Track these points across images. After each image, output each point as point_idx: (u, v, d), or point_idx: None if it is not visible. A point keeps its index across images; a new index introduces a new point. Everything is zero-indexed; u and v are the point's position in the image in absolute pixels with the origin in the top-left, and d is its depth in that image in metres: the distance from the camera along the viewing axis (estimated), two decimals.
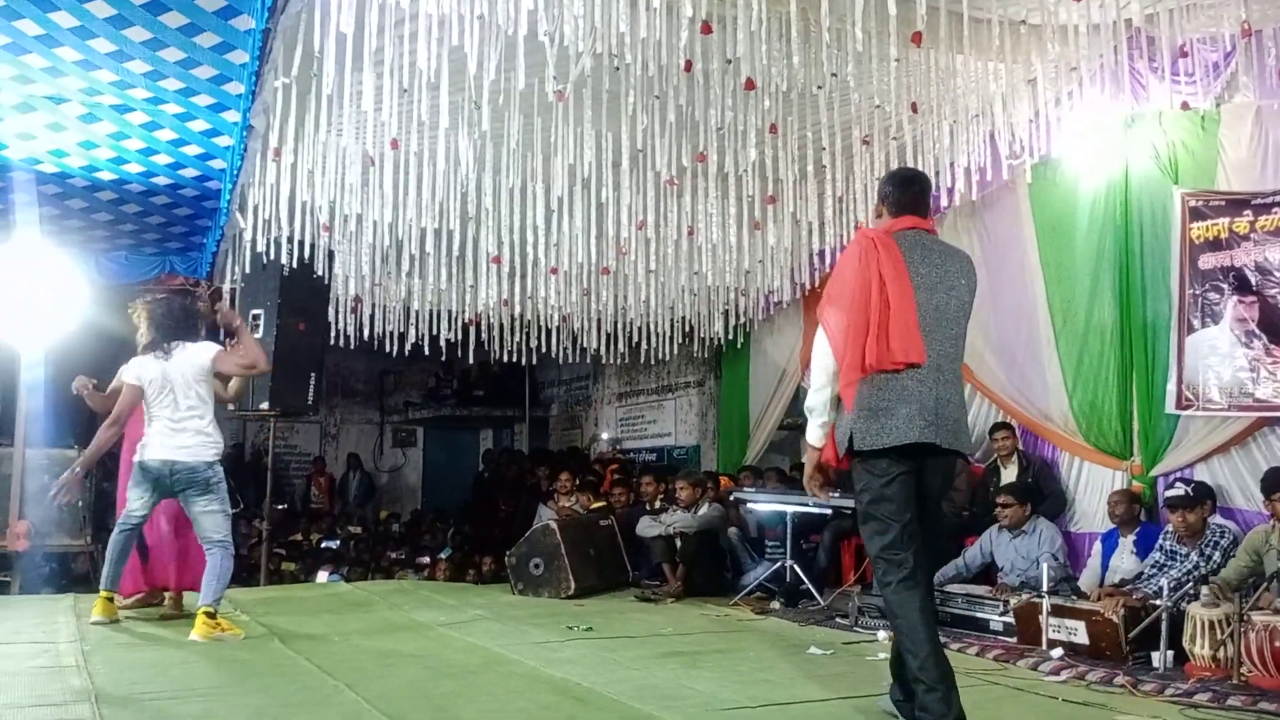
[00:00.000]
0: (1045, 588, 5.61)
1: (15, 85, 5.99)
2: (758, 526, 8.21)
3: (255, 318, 7.82)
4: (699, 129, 6.25)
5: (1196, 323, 6.25)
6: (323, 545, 12.24)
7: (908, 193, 3.78)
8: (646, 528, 7.89)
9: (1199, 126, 6.27)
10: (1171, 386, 6.34)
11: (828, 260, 8.56)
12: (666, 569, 7.68)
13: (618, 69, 5.30)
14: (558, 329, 10.35)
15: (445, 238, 7.76)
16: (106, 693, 3.96)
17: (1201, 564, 5.50)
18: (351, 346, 9.93)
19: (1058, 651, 5.26)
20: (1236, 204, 6.07)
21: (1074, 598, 5.82)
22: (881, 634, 5.71)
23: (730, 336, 10.38)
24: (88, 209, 8.06)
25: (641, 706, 3.92)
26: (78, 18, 5.25)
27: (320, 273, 8.08)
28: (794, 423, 10.06)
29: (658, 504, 8.39)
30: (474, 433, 17.40)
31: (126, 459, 5.77)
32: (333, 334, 9.43)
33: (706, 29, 5.05)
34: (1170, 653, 4.98)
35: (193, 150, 6.95)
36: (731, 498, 8.21)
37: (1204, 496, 5.78)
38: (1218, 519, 5.86)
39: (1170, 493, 5.90)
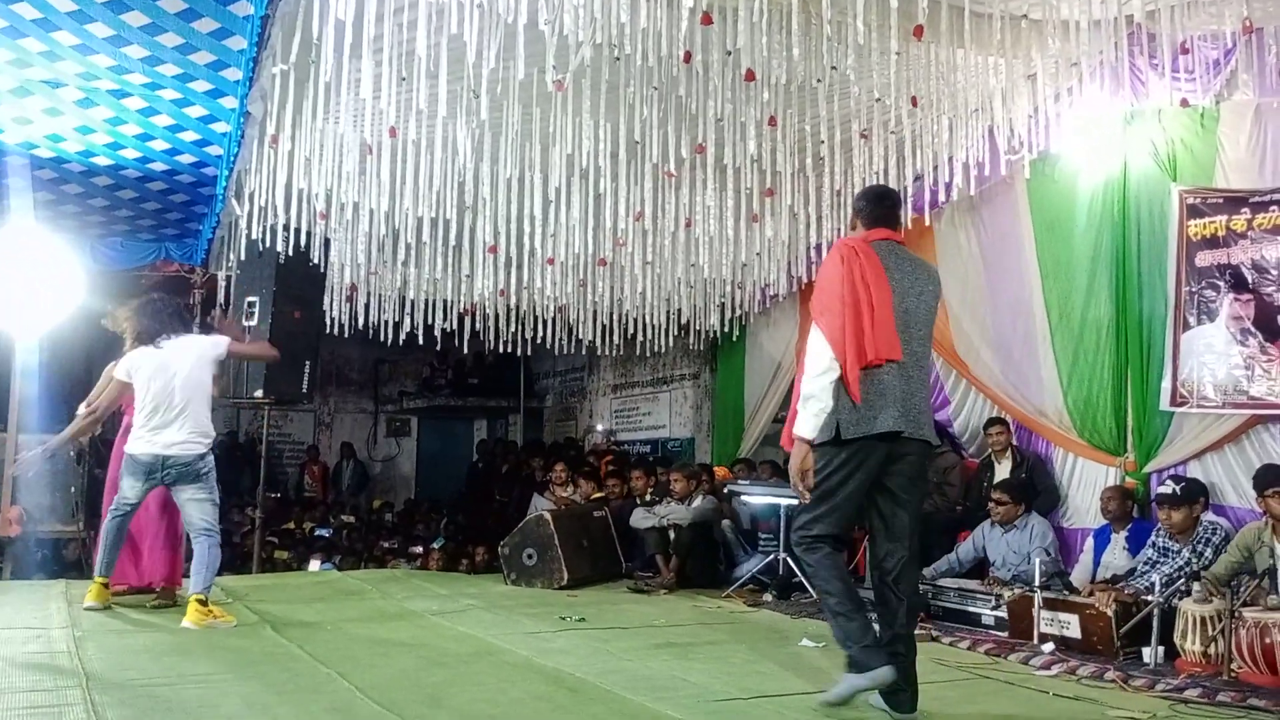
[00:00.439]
0: (1037, 582, 5.62)
1: (12, 69, 5.96)
2: (751, 519, 8.22)
3: (251, 305, 7.81)
4: (698, 120, 6.24)
5: (1192, 320, 6.26)
6: (316, 534, 12.22)
7: (881, 208, 4.08)
8: (640, 519, 7.90)
9: (1198, 124, 6.27)
10: (1166, 383, 6.35)
11: (824, 254, 8.53)
12: (660, 560, 7.68)
13: (617, 59, 5.29)
14: (553, 320, 10.34)
15: (442, 227, 7.74)
16: (99, 678, 3.95)
17: (1193, 560, 5.52)
18: (346, 335, 9.91)
19: (1049, 646, 5.27)
20: (1234, 202, 6.08)
21: (1066, 593, 5.84)
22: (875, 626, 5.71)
23: (726, 329, 10.39)
24: (83, 194, 8.03)
25: (634, 697, 3.93)
26: (75, 2, 5.22)
27: (316, 261, 8.06)
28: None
29: (648, 497, 8.40)
30: (468, 423, 17.39)
31: (120, 446, 5.75)
32: (328, 322, 9.42)
33: (707, 20, 5.04)
34: (1161, 648, 5.00)
35: (189, 136, 6.93)
36: (725, 490, 8.22)
37: (1194, 495, 5.78)
38: (1210, 516, 5.88)
39: (1160, 490, 5.92)
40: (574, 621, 5.81)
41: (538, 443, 14.79)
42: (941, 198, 7.14)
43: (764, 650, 5.12)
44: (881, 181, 7.08)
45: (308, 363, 8.14)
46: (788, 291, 9.46)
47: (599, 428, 14.27)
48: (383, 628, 5.53)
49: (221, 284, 8.91)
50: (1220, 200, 6.15)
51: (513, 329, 10.42)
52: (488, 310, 10.13)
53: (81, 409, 5.91)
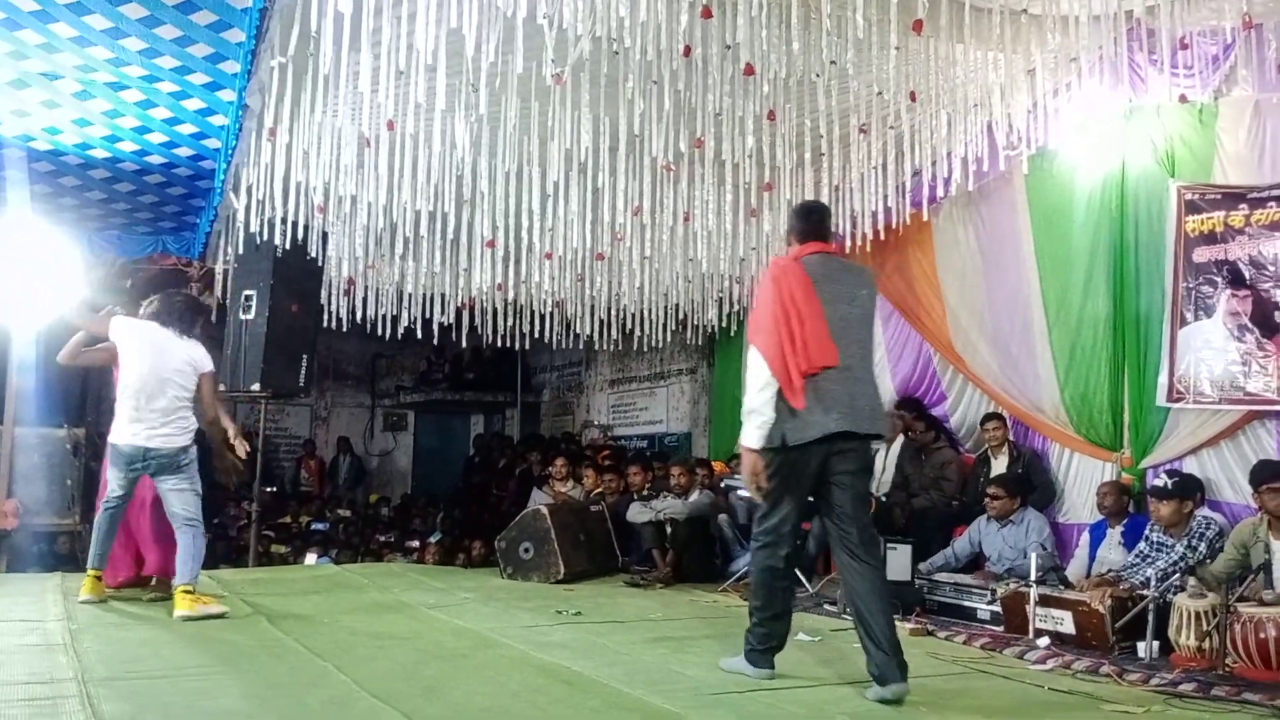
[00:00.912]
0: (1033, 577, 5.63)
1: (9, 61, 5.95)
2: (747, 514, 8.21)
3: (248, 298, 7.80)
4: (696, 115, 6.23)
5: (1189, 315, 6.27)
6: (312, 528, 12.24)
7: (810, 222, 4.36)
8: (637, 513, 7.91)
9: (1197, 120, 6.27)
10: (1163, 379, 6.36)
11: None
12: (656, 555, 7.69)
13: (616, 53, 5.29)
14: (551, 314, 10.34)
15: (440, 221, 7.73)
16: (95, 671, 3.95)
17: (1188, 555, 5.52)
18: (344, 329, 9.91)
19: (1044, 641, 5.28)
20: (1232, 198, 6.08)
21: (1061, 587, 5.85)
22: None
23: (724, 324, 10.38)
24: (81, 187, 8.01)
25: (630, 690, 3.93)
26: None
27: (314, 254, 8.05)
28: None
29: (645, 492, 8.40)
30: (465, 417, 17.39)
31: None
32: (325, 316, 9.40)
33: (707, 13, 5.03)
34: (1156, 643, 5.01)
35: (187, 129, 6.91)
36: (722, 485, 8.22)
37: (1186, 491, 5.79)
38: (1205, 511, 5.88)
39: (1154, 482, 5.95)
40: (570, 615, 5.82)
41: (536, 437, 14.80)
42: (940, 193, 7.13)
43: None
44: (880, 177, 7.10)
45: (305, 357, 8.13)
46: None
47: (596, 422, 14.27)
48: (379, 621, 5.53)
49: (219, 277, 8.90)
50: (1218, 196, 6.15)
51: (510, 323, 10.42)
52: (485, 305, 10.13)
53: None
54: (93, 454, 8.23)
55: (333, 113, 6.38)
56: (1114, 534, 6.37)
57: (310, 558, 10.34)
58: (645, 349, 11.35)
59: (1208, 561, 5.43)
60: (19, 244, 7.50)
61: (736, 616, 6.07)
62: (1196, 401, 6.22)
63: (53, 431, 8.69)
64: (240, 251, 7.93)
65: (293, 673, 4.12)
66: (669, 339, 10.78)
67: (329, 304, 9.40)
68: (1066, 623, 5.33)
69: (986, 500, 6.76)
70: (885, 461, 8.14)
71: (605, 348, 11.37)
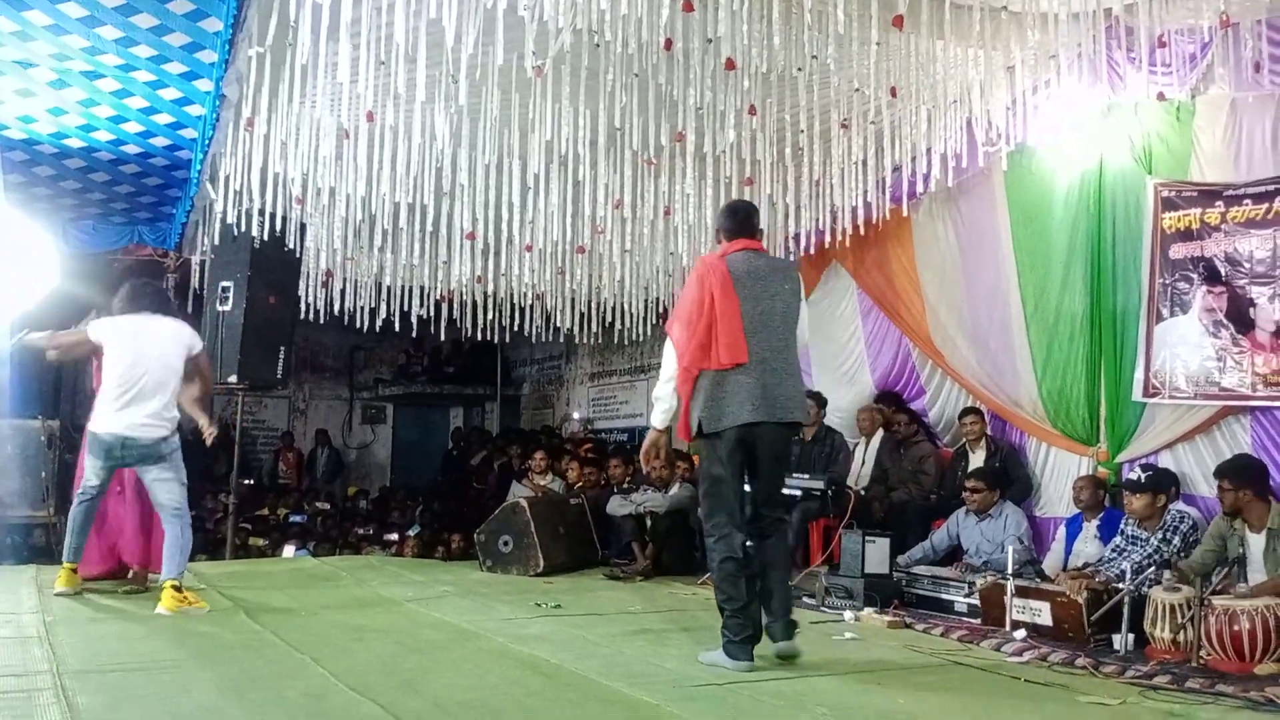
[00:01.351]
0: (1010, 570, 5.67)
1: None
2: None
3: (225, 290, 7.75)
4: (678, 108, 6.23)
5: (1165, 312, 6.32)
6: (290, 521, 12.17)
7: (737, 220, 4.57)
8: (617, 507, 7.91)
9: (1174, 117, 6.30)
10: (1139, 374, 6.41)
11: (803, 243, 8.57)
12: (636, 548, 7.69)
13: (597, 46, 5.27)
14: (531, 307, 10.32)
15: (419, 213, 7.70)
16: (70, 664, 3.92)
17: (1162, 549, 5.57)
18: (322, 321, 9.85)
19: (1021, 633, 5.32)
20: (1208, 195, 6.13)
21: (1038, 580, 5.89)
22: (848, 614, 5.75)
23: None
24: (56, 177, 7.93)
25: (609, 683, 3.93)
26: None
27: (292, 246, 8.00)
28: None
29: (625, 485, 8.41)
30: (444, 410, 17.34)
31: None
32: (303, 308, 9.35)
33: (688, 7, 5.02)
34: (1131, 636, 5.05)
35: (164, 119, 6.85)
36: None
37: (1160, 485, 5.84)
38: (1179, 505, 5.94)
39: (1128, 475, 6.00)
40: (550, 608, 5.82)
41: (515, 430, 14.76)
42: (920, 189, 7.16)
43: None
44: (860, 172, 7.12)
45: (282, 348, 8.08)
46: None
47: (576, 416, 14.26)
48: (358, 614, 5.51)
49: (195, 268, 8.83)
50: (1195, 194, 6.20)
51: (490, 316, 10.38)
52: (465, 297, 10.09)
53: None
54: (68, 446, 8.15)
55: (311, 103, 6.34)
56: (1090, 527, 6.42)
57: (288, 550, 10.28)
58: (625, 343, 11.33)
59: (1182, 555, 5.49)
60: None
61: (715, 609, 6.09)
62: (1172, 397, 6.28)
63: (27, 423, 8.59)
64: (217, 242, 7.87)
65: (270, 666, 4.10)
66: (649, 333, 10.77)
67: (307, 296, 9.35)
68: (1043, 615, 5.37)
69: (965, 494, 6.80)
70: (865, 455, 8.18)
71: (585, 341, 11.36)
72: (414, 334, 10.52)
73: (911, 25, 5.23)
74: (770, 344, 4.36)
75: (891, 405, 8.33)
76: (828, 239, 8.07)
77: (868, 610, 5.84)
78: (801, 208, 7.79)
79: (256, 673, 3.96)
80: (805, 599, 6.40)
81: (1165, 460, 6.37)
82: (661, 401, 4.45)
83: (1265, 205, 5.87)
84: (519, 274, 9.04)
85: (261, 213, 7.16)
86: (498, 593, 6.43)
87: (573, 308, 10.18)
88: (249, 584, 6.44)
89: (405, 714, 3.35)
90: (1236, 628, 4.59)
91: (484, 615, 5.51)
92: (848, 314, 8.94)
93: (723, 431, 4.31)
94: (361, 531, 11.93)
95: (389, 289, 9.71)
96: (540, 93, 6.13)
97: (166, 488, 5.35)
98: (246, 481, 12.49)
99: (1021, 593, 5.52)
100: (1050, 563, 6.51)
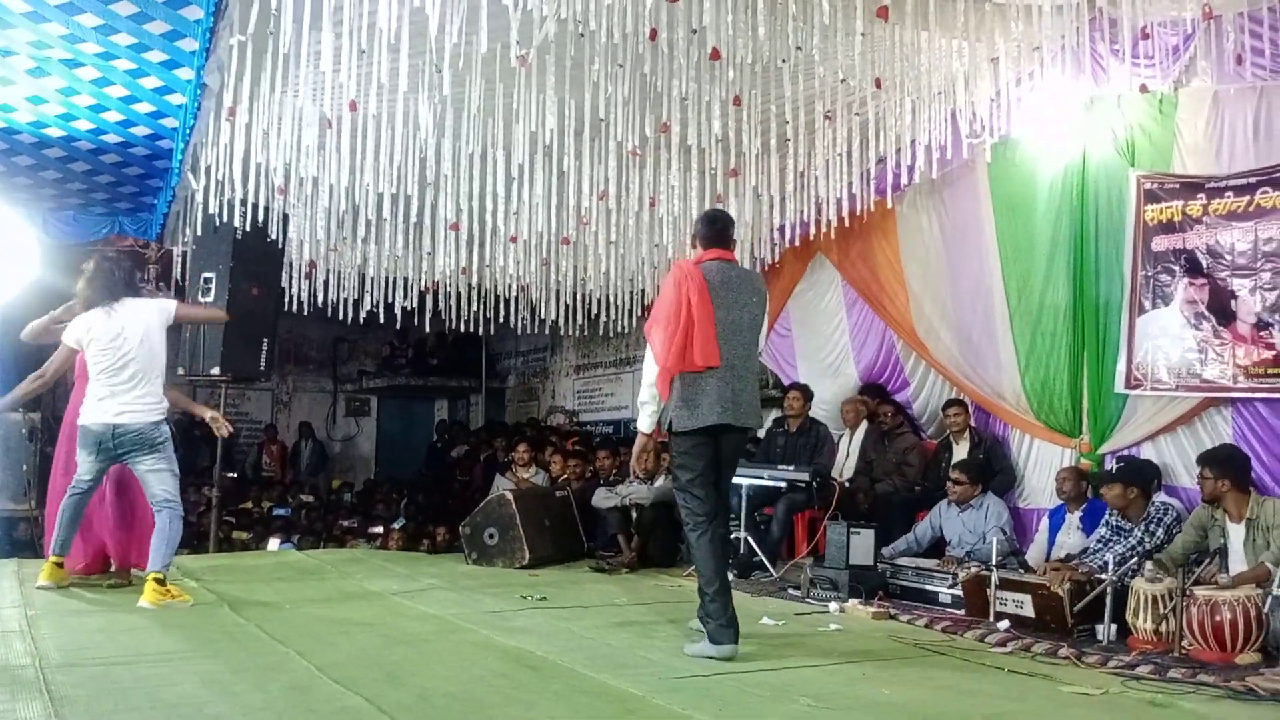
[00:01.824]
0: (993, 561, 5.70)
1: None
2: None
3: (207, 281, 7.68)
4: (663, 99, 6.21)
5: (1148, 304, 6.35)
6: (274, 513, 12.12)
7: (713, 230, 4.76)
8: (602, 499, 7.90)
9: (1157, 110, 6.33)
10: (1121, 366, 6.45)
11: (788, 235, 8.57)
12: (621, 540, 7.69)
13: (582, 35, 5.25)
14: (516, 299, 10.28)
15: (403, 203, 7.65)
16: (53, 658, 3.90)
17: (1145, 540, 5.61)
18: (305, 313, 9.78)
19: (1004, 624, 5.35)
20: (1190, 187, 6.16)
21: (1021, 571, 5.93)
22: (833, 605, 5.77)
23: None
24: (35, 166, 7.85)
25: (595, 675, 3.93)
26: None
27: (274, 236, 7.94)
28: None
29: (611, 477, 8.40)
30: (429, 403, 17.30)
31: (70, 422, 5.64)
32: (286, 299, 9.29)
33: None
34: (1114, 626, 5.09)
35: (144, 108, 6.78)
36: None
37: (1133, 476, 5.89)
38: (1162, 496, 5.99)
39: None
40: (535, 600, 5.81)
41: (500, 423, 14.73)
42: (904, 180, 7.15)
43: None
44: (845, 164, 7.12)
45: (265, 340, 8.02)
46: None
47: (562, 408, 14.24)
48: (343, 607, 5.49)
49: (177, 259, 8.76)
50: (1177, 186, 6.23)
51: (474, 308, 10.34)
52: (449, 289, 10.03)
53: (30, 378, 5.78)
54: (48, 439, 8.08)
55: (293, 92, 6.28)
56: (1073, 519, 6.46)
57: (272, 543, 10.25)
58: (611, 335, 11.32)
59: (1165, 546, 5.52)
60: None
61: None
62: (1154, 388, 6.31)
63: (8, 416, 8.52)
64: (199, 233, 7.81)
65: (254, 659, 4.08)
66: (634, 325, 10.76)
67: (290, 287, 9.27)
68: (1026, 606, 5.40)
69: (948, 485, 6.83)
70: (849, 447, 8.19)
71: (571, 333, 11.33)
72: (398, 326, 10.45)
73: (896, 16, 5.23)
74: (738, 352, 4.58)
75: (876, 397, 8.36)
76: (812, 231, 8.06)
77: (852, 601, 5.86)
78: (786, 199, 7.79)
79: (240, 666, 3.94)
80: (790, 590, 6.43)
81: (1147, 452, 6.41)
82: (647, 406, 4.65)
83: (1246, 198, 5.91)
84: (504, 265, 9.00)
85: (244, 203, 7.10)
86: (483, 585, 6.41)
87: (558, 300, 10.15)
88: (233, 577, 6.41)
89: (390, 706, 3.34)
90: (1218, 618, 4.64)
91: (469, 608, 5.50)
92: (832, 306, 8.95)
93: (694, 430, 4.50)
94: (346, 524, 11.90)
95: (373, 280, 9.65)
96: (524, 83, 6.09)
97: (159, 478, 5.31)
98: (230, 474, 12.43)
99: (1005, 584, 5.56)
100: (1033, 554, 6.54)
